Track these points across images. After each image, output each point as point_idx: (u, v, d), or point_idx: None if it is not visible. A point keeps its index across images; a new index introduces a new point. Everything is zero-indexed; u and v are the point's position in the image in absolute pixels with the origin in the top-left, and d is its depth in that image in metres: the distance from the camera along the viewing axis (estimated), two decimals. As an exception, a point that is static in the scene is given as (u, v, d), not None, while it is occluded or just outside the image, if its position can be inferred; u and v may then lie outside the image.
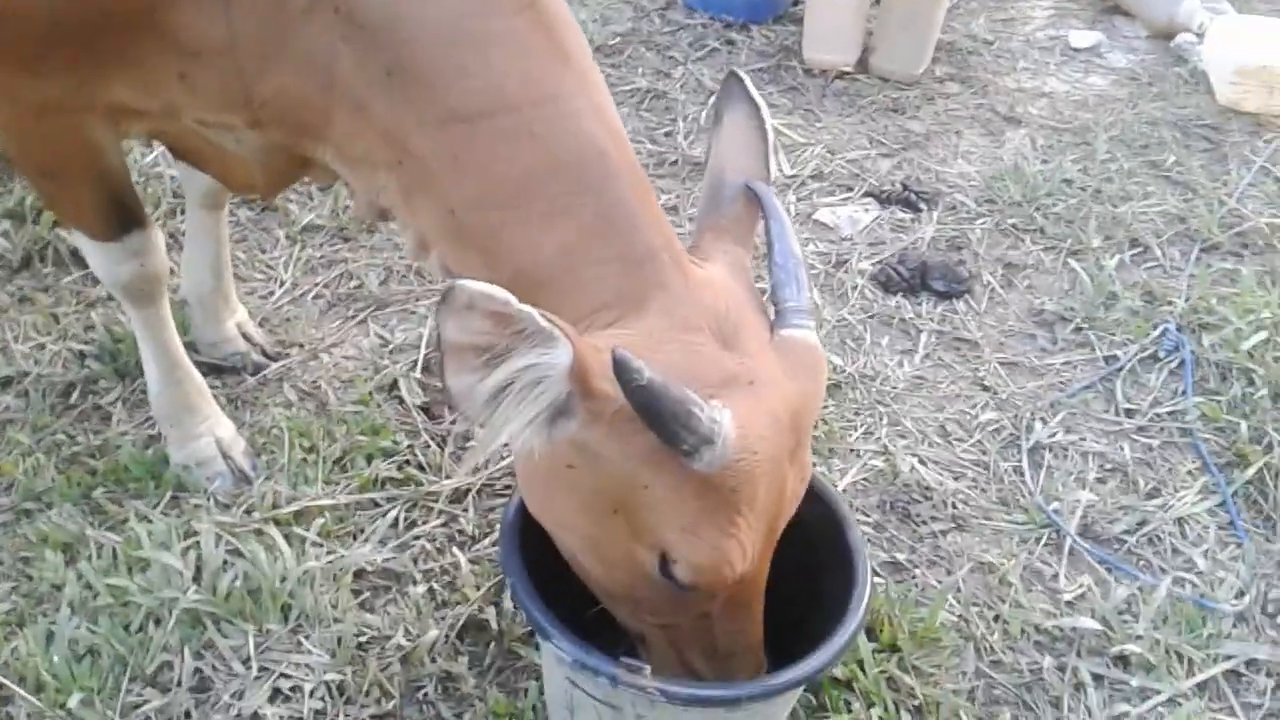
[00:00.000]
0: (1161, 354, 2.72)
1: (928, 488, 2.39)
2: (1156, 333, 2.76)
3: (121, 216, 1.94)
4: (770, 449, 1.36)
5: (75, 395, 2.44)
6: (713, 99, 1.67)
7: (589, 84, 1.51)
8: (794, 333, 1.49)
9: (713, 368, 1.38)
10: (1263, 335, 2.68)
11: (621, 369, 1.24)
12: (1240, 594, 2.16)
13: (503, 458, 2.29)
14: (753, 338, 1.46)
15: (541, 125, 1.45)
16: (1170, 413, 2.59)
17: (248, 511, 2.18)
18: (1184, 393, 2.61)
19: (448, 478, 2.29)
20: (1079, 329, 2.81)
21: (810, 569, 1.73)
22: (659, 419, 1.27)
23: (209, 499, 2.20)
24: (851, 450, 2.47)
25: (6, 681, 1.84)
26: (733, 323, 1.46)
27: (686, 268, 1.50)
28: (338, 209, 2.96)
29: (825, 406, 2.54)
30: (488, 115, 1.45)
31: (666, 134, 3.43)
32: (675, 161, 3.29)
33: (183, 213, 2.73)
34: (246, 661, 1.90)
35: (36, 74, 1.64)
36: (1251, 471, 2.40)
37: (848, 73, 3.76)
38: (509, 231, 1.48)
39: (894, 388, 2.63)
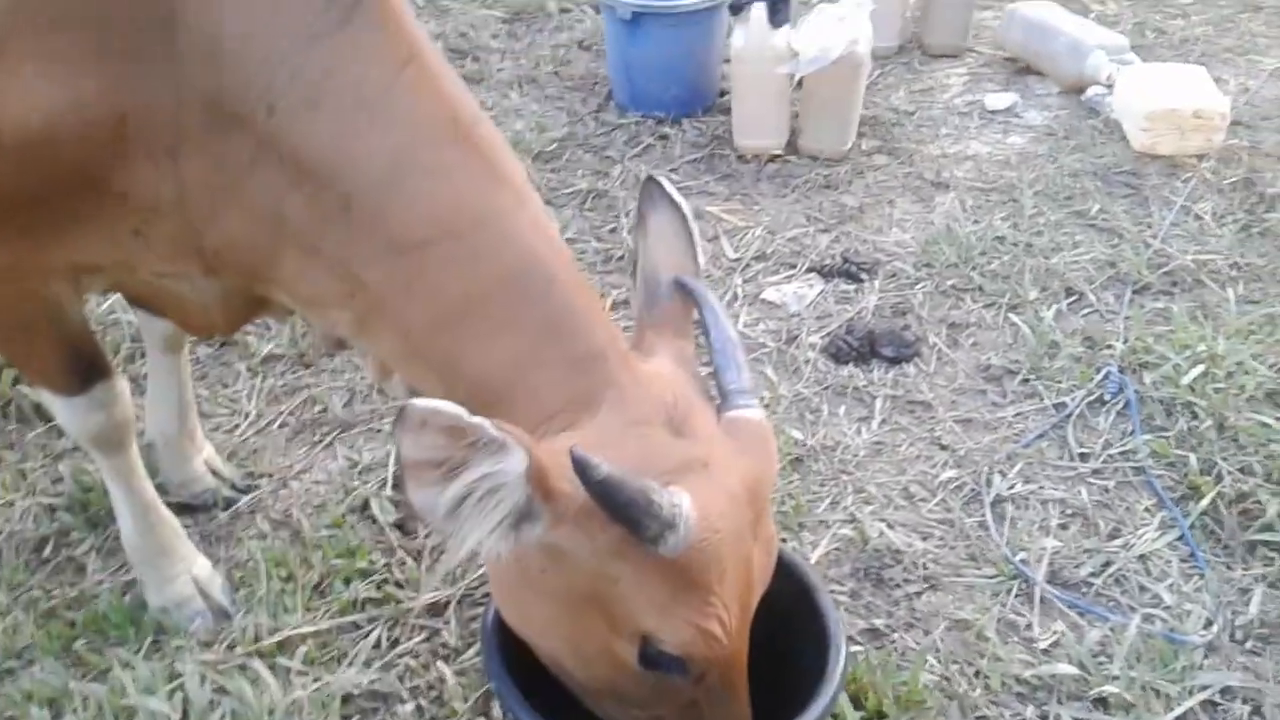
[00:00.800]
0: (1107, 397, 2.81)
1: (898, 551, 2.44)
2: (1100, 376, 2.85)
3: (85, 370, 1.98)
4: (731, 526, 1.42)
5: (48, 549, 2.45)
6: (638, 202, 1.76)
7: (525, 201, 1.60)
8: (740, 413, 1.56)
9: (667, 456, 1.44)
10: (1200, 369, 2.78)
11: (580, 466, 1.30)
12: (1208, 624, 2.22)
13: (479, 567, 2.32)
14: (702, 423, 1.53)
15: (485, 246, 1.53)
16: (1122, 453, 2.67)
17: (230, 647, 2.19)
18: (1133, 432, 2.70)
19: (427, 593, 2.31)
20: (1026, 380, 2.90)
21: (787, 642, 1.77)
22: (621, 510, 1.33)
23: (191, 639, 2.21)
24: (820, 521, 2.52)
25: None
26: (682, 411, 1.53)
27: (633, 364, 1.56)
28: (296, 337, 3.02)
29: (790, 480, 2.60)
30: (433, 242, 1.53)
31: (611, 230, 3.53)
32: (621, 257, 3.38)
33: (143, 356, 2.77)
34: (241, 799, 1.90)
35: (-4, 241, 1.70)
36: (1205, 502, 2.48)
37: (779, 155, 3.89)
38: (462, 348, 1.55)
39: (855, 455, 2.69)
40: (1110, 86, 4.04)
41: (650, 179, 1.73)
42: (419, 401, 1.28)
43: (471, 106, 1.61)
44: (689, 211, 1.72)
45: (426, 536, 2.43)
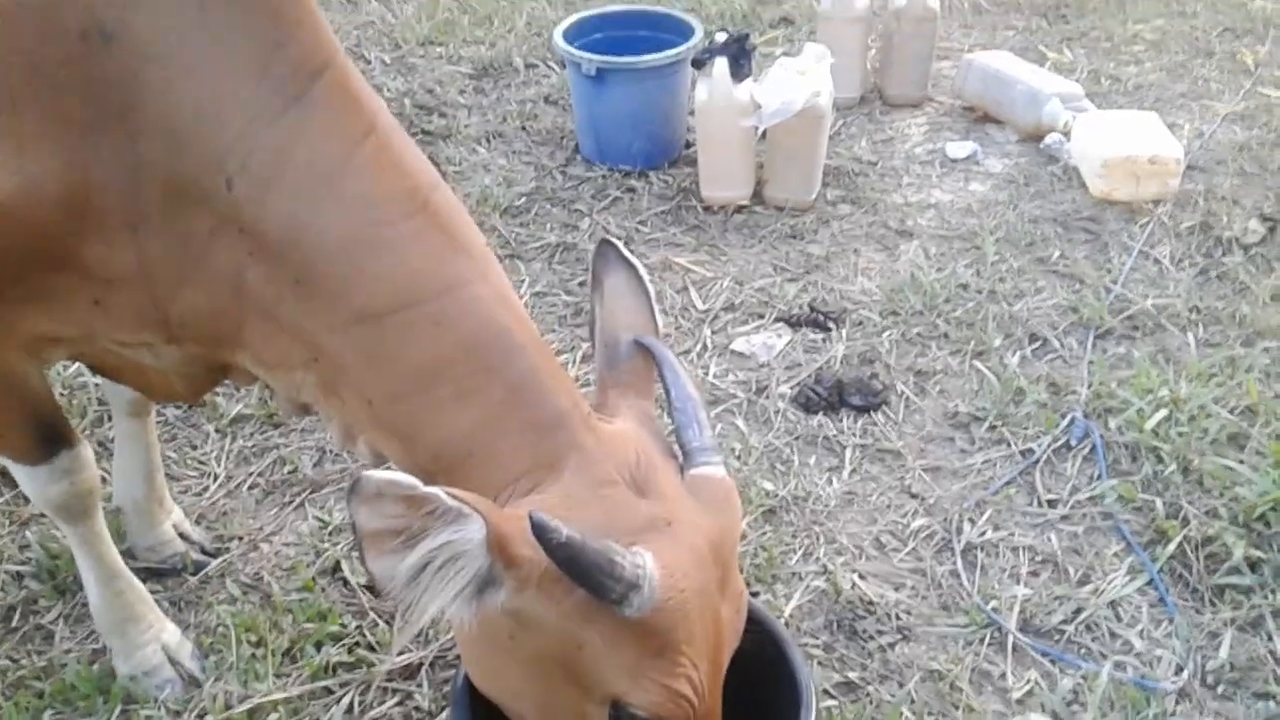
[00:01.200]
0: (1073, 442, 2.84)
1: (870, 602, 2.45)
2: (1065, 422, 2.89)
3: (49, 439, 1.97)
4: (696, 584, 1.43)
5: (16, 618, 2.42)
6: (592, 264, 1.78)
7: (485, 269, 1.61)
8: (703, 470, 1.57)
9: (631, 516, 1.45)
10: (1164, 413, 2.82)
11: (540, 530, 1.30)
12: (1178, 670, 2.24)
13: (450, 629, 2.31)
14: (665, 482, 1.54)
15: (444, 314, 1.54)
16: (1089, 498, 2.69)
17: (200, 716, 2.17)
18: (1099, 477, 2.73)
19: (399, 655, 2.29)
20: (993, 427, 2.93)
21: (759, 699, 1.77)
22: (583, 573, 1.33)
23: (160, 707, 2.19)
24: (793, 574, 2.53)
25: None
26: (645, 471, 1.54)
27: (596, 426, 1.57)
28: (265, 397, 3.01)
29: (762, 532, 2.61)
30: (393, 312, 1.54)
31: (580, 284, 3.55)
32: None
33: (109, 419, 2.76)
34: None
35: (-45, 316, 1.69)
36: (1173, 546, 2.50)
37: (745, 206, 3.94)
38: (426, 416, 1.55)
39: (826, 506, 2.70)
40: (1067, 134, 4.12)
41: (604, 241, 1.75)
42: (374, 473, 1.29)
43: (430, 175, 1.63)
44: (644, 272, 1.74)
45: (400, 607, 2.42)
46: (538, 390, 1.55)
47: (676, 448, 1.62)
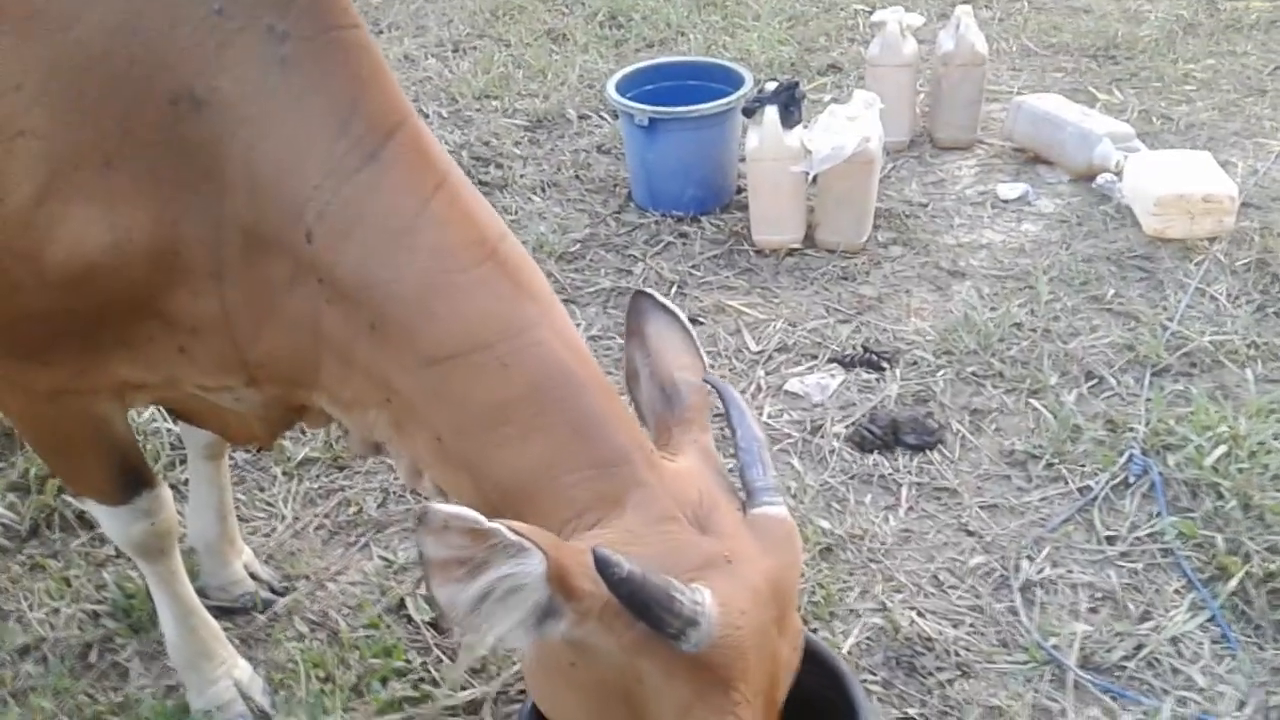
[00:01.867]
0: (1131, 479, 2.83)
1: (929, 639, 2.46)
2: (1123, 459, 2.88)
3: (131, 480, 2.06)
4: (754, 622, 1.45)
5: (93, 655, 2.51)
6: (627, 317, 1.84)
7: (550, 313, 1.67)
8: (765, 510, 1.60)
9: (692, 553, 1.48)
10: (1223, 449, 2.81)
11: (602, 565, 1.35)
12: (1240, 705, 2.22)
13: (514, 664, 2.35)
14: (727, 520, 1.57)
15: (510, 357, 1.60)
16: (1149, 535, 2.68)
17: (270, 750, 2.22)
18: (1159, 514, 2.72)
19: (463, 689, 2.34)
20: (1050, 464, 2.93)
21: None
22: (643, 607, 1.37)
23: (232, 742, 2.25)
24: (851, 611, 2.54)
25: None
26: (707, 508, 1.58)
27: (658, 463, 1.62)
28: (331, 440, 3.09)
29: (819, 570, 2.63)
30: (462, 354, 1.61)
31: (635, 328, 3.60)
32: (646, 353, 3.45)
33: (183, 464, 2.86)
34: None
35: (47, 364, 1.79)
36: (1234, 583, 2.49)
37: (797, 249, 3.99)
38: (491, 453, 1.61)
39: (883, 544, 2.72)
40: (1119, 174, 4.12)
41: (639, 292, 1.81)
42: (441, 506, 1.35)
43: (496, 225, 1.71)
44: (684, 316, 1.79)
45: (462, 634, 2.47)
46: (601, 428, 1.60)
47: (739, 486, 1.66)
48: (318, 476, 3.02)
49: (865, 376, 3.35)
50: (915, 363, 3.38)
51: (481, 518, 1.35)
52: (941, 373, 3.31)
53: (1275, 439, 2.84)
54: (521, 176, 4.56)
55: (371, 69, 1.68)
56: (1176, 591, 2.53)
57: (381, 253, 1.62)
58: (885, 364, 3.39)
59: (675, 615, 1.37)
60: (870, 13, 4.80)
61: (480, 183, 4.51)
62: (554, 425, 1.60)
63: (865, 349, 3.46)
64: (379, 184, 1.63)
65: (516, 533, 1.36)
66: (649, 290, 1.82)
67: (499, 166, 4.66)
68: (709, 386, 1.75)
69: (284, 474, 3.04)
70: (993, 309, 3.56)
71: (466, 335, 1.61)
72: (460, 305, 1.62)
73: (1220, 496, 2.70)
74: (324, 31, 1.64)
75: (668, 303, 1.80)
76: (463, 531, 1.35)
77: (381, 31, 6.14)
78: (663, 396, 1.78)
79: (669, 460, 1.66)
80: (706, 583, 1.43)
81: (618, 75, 4.37)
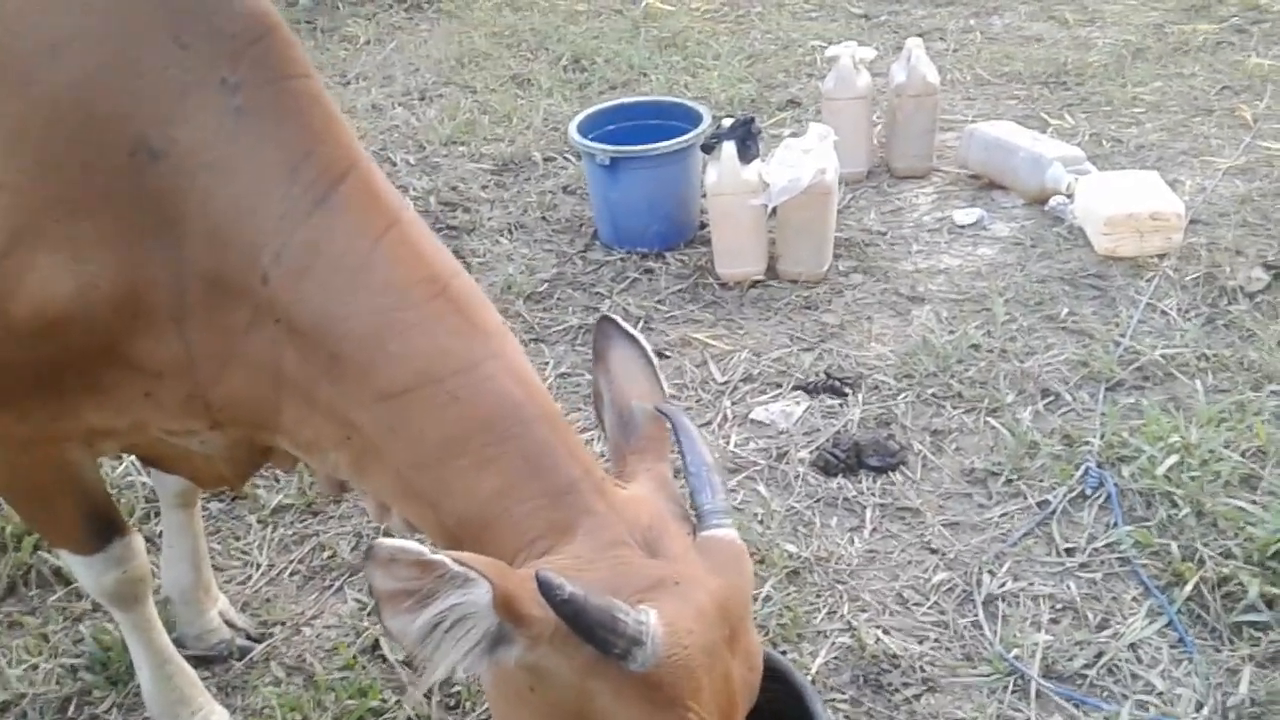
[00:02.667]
0: (1088, 491, 2.90)
1: (895, 656, 2.50)
2: (1080, 473, 2.95)
3: (102, 528, 2.10)
4: (701, 641, 1.49)
5: (72, 709, 2.53)
6: (593, 343, 1.89)
7: (501, 348, 1.73)
8: (714, 533, 1.65)
9: (639, 576, 1.53)
10: (1176, 459, 2.88)
11: (544, 588, 1.39)
12: (1199, 706, 2.27)
13: (484, 702, 2.38)
14: (676, 543, 1.62)
15: (462, 391, 1.66)
16: (1106, 545, 2.75)
17: (249, 793, 2.24)
18: (1115, 524, 2.78)
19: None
20: (1009, 481, 2.99)
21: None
22: (587, 629, 1.40)
23: (210, 787, 2.27)
24: (818, 632, 2.59)
25: None
26: (656, 533, 1.62)
27: (609, 491, 1.67)
28: (304, 486, 3.13)
29: (787, 593, 2.68)
30: (415, 389, 1.66)
31: (602, 364, 3.66)
32: (614, 388, 3.51)
33: (157, 516, 2.89)
34: None
35: (16, 413, 1.84)
36: (1190, 588, 2.55)
37: (760, 280, 4.06)
38: (448, 486, 1.66)
39: (849, 565, 2.77)
40: (1071, 196, 4.23)
41: (604, 318, 1.86)
42: (386, 541, 1.38)
43: (449, 263, 1.77)
44: (646, 344, 1.85)
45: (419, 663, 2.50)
46: (551, 459, 1.66)
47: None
48: (292, 523, 3.05)
49: (829, 402, 3.41)
50: (877, 387, 3.45)
51: (426, 550, 1.38)
52: (902, 396, 3.38)
53: (1225, 446, 2.92)
54: (489, 219, 4.64)
55: (322, 117, 1.75)
56: (1134, 599, 2.59)
57: (336, 292, 1.68)
58: (848, 389, 3.46)
59: (619, 635, 1.41)
60: (825, 48, 4.92)
61: (448, 227, 4.59)
62: (505, 457, 1.65)
63: (828, 375, 3.53)
64: (331, 226, 1.69)
65: (461, 563, 1.40)
66: (613, 316, 1.88)
67: (466, 210, 4.73)
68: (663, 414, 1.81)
69: (259, 521, 3.07)
70: (951, 332, 3.64)
71: (419, 370, 1.67)
72: (413, 341, 1.68)
73: (1174, 505, 2.77)
74: (274, 82, 1.71)
75: (631, 329, 1.85)
76: (409, 564, 1.39)
77: (349, 82, 6.24)
78: (621, 424, 1.83)
79: (621, 487, 1.71)
80: (653, 603, 1.47)
81: (579, 117, 4.46)
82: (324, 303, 1.68)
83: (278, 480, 3.17)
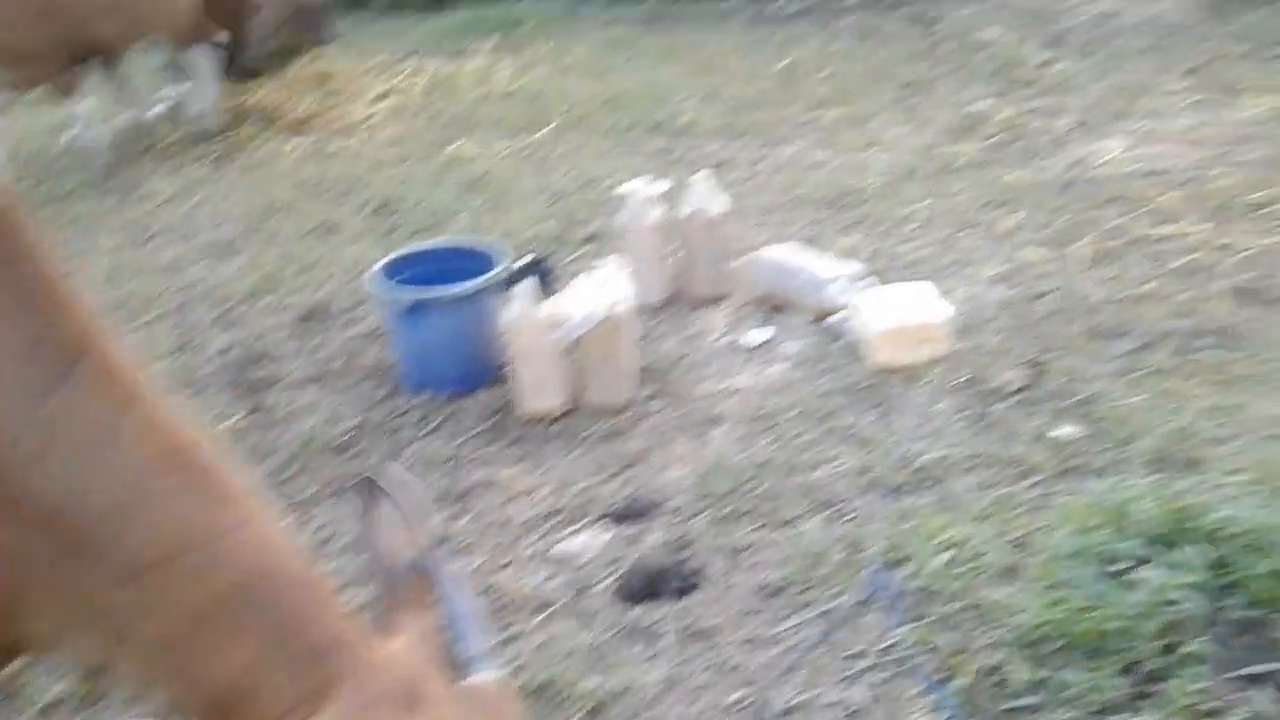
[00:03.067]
0: (870, 596, 3.03)
1: (693, 781, 2.54)
2: (862, 578, 3.09)
3: None
4: None
5: None
6: (361, 503, 1.93)
7: (250, 516, 1.73)
8: (474, 679, 1.69)
9: None
10: (948, 555, 3.06)
11: None
12: (973, 798, 2.38)
13: None
14: (436, 695, 1.65)
15: (207, 563, 1.65)
16: (889, 646, 2.87)
17: None
18: (897, 625, 2.91)
19: None
20: (801, 592, 3.11)
21: None
22: None
23: None
24: (620, 765, 2.61)
25: None
26: (417, 687, 1.65)
27: (370, 649, 1.69)
28: (80, 674, 2.99)
29: (590, 730, 2.69)
30: (159, 564, 1.65)
31: (407, 510, 3.66)
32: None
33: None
34: None
35: None
36: (963, 680, 2.68)
37: (564, 414, 4.15)
38: (198, 660, 1.65)
39: (647, 695, 2.81)
40: (849, 312, 4.50)
41: (365, 478, 1.90)
42: None
43: (191, 436, 1.78)
44: (415, 495, 1.89)
45: None
46: (306, 626, 1.66)
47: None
48: (71, 715, 2.91)
49: (630, 530, 3.49)
50: (678, 509, 3.55)
51: None
52: (701, 516, 3.48)
53: (997, 537, 3.12)
54: (292, 371, 4.61)
55: (58, 296, 1.75)
56: (917, 695, 2.71)
57: (76, 471, 1.67)
58: (650, 515, 3.55)
59: None
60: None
61: (250, 380, 4.54)
62: (255, 627, 1.65)
63: (631, 502, 3.61)
64: (70, 405, 1.69)
65: None
66: (372, 476, 1.91)
67: (271, 363, 4.70)
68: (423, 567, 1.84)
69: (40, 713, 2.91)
70: (744, 450, 3.78)
71: (163, 544, 1.66)
72: (155, 515, 1.67)
73: (947, 600, 2.93)
74: (8, 263, 1.71)
75: (394, 482, 1.89)
76: None
77: (150, 239, 6.16)
78: (386, 583, 1.86)
79: (381, 644, 1.73)
80: None
81: (380, 263, 4.53)
82: (64, 482, 1.67)
83: (54, 670, 3.02)
